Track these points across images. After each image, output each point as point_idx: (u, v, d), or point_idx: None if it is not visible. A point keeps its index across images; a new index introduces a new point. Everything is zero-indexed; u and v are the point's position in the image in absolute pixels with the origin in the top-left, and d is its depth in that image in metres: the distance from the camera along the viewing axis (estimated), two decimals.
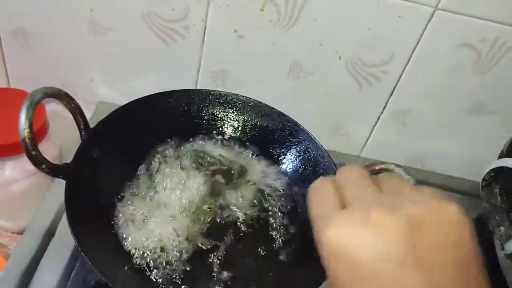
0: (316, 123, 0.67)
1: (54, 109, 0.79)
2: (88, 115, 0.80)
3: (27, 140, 0.50)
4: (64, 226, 0.64)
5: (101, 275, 0.48)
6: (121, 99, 0.66)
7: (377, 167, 0.61)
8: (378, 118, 0.82)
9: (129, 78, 0.80)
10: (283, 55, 0.74)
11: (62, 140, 0.83)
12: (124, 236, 0.56)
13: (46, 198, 0.67)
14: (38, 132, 0.75)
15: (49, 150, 0.79)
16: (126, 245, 0.55)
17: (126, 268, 0.53)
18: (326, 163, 0.64)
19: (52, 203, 0.67)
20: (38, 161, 0.51)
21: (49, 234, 0.63)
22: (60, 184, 0.67)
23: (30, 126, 0.50)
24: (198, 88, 0.79)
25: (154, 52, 0.76)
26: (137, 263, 0.54)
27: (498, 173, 0.59)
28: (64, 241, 0.62)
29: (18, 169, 0.76)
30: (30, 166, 0.75)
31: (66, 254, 0.61)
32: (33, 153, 0.51)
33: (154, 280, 0.53)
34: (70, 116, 0.85)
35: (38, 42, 0.77)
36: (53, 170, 0.53)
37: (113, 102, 0.80)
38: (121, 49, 0.76)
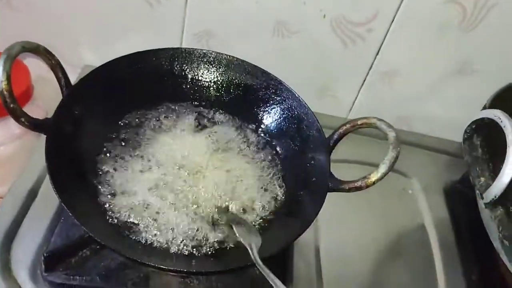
0: (302, 85, 0.66)
1: (40, 73, 0.79)
2: (74, 79, 0.80)
3: (5, 92, 0.50)
4: (47, 186, 0.64)
5: (82, 226, 0.48)
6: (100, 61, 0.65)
7: (359, 122, 0.61)
8: (365, 79, 0.81)
9: (113, 40, 0.79)
10: (267, 14, 0.73)
11: (48, 105, 0.83)
12: (104, 192, 0.56)
13: (30, 160, 0.67)
14: (23, 94, 0.75)
15: (33, 113, 0.78)
16: (105, 200, 0.56)
17: (105, 221, 0.54)
18: (310, 120, 0.64)
19: (36, 165, 0.66)
20: (17, 114, 0.51)
21: (32, 194, 0.63)
22: (43, 148, 0.67)
23: (8, 78, 0.50)
24: None
25: (139, 13, 0.75)
26: (114, 217, 0.55)
27: (479, 125, 0.59)
28: (47, 201, 0.63)
29: (4, 132, 0.76)
30: (16, 130, 0.76)
31: (49, 212, 0.62)
32: (12, 106, 0.50)
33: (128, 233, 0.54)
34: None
35: (22, 3, 0.76)
36: (33, 124, 0.53)
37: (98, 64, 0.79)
38: (106, 11, 0.76)
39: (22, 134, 0.78)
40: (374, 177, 0.54)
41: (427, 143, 0.84)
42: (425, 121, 0.86)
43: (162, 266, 0.49)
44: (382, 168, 0.54)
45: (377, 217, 0.73)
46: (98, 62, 0.80)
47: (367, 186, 0.55)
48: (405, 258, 0.70)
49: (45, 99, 0.82)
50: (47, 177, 0.64)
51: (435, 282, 0.68)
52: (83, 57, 0.83)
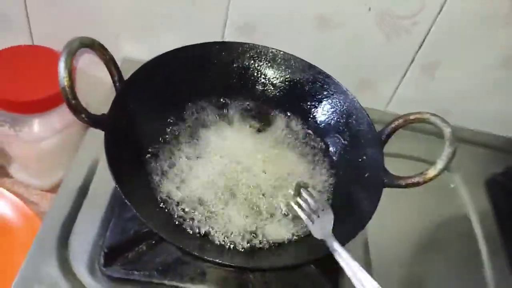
0: (342, 78, 0.66)
1: (78, 67, 0.79)
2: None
3: (67, 88, 0.50)
4: (97, 183, 0.64)
5: (146, 222, 0.48)
6: (146, 55, 0.65)
7: (412, 117, 0.60)
8: (405, 72, 0.81)
9: (154, 33, 0.79)
10: (311, 7, 0.73)
11: (87, 98, 0.83)
12: (158, 183, 0.57)
13: (76, 157, 0.67)
14: None
15: None
16: (160, 191, 0.56)
17: (163, 216, 0.55)
18: (359, 115, 0.63)
19: (83, 162, 0.67)
20: (78, 110, 0.51)
21: (83, 191, 0.64)
22: (89, 143, 0.68)
23: (70, 74, 0.50)
24: None
25: (181, 7, 0.75)
26: (172, 211, 0.55)
27: None
28: (99, 197, 0.63)
29: (46, 126, 0.76)
30: (57, 124, 0.76)
31: (101, 208, 0.62)
32: (73, 102, 0.50)
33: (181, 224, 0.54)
34: (94, 73, 0.85)
35: None
36: (92, 120, 0.53)
37: (138, 58, 0.79)
38: (147, 4, 0.75)
39: (62, 129, 0.78)
40: (432, 173, 0.54)
41: (468, 136, 0.84)
42: (466, 114, 0.85)
43: (230, 264, 0.49)
44: (440, 164, 0.54)
45: (420, 210, 0.73)
46: (137, 55, 0.81)
47: (424, 182, 0.55)
48: (450, 250, 0.71)
49: (82, 91, 0.81)
50: (97, 174, 0.65)
51: (481, 272, 0.68)
52: (122, 50, 0.82)
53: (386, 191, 0.55)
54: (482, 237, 0.72)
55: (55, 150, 0.79)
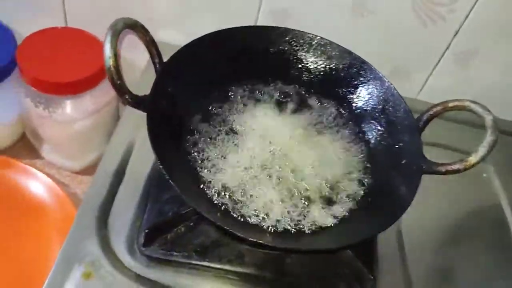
0: (374, 64, 0.66)
1: None
2: (146, 55, 0.80)
3: (112, 69, 0.50)
4: (132, 166, 0.65)
5: (191, 204, 0.49)
6: (179, 39, 0.65)
7: (451, 104, 0.60)
8: (439, 60, 0.80)
9: (187, 17, 0.79)
10: None
11: None
12: (198, 165, 0.57)
13: (112, 139, 0.68)
14: (99, 71, 0.75)
15: (109, 89, 0.79)
16: (200, 172, 0.57)
17: (204, 197, 0.55)
18: (396, 102, 0.63)
19: (117, 145, 0.67)
20: (122, 90, 0.51)
21: (120, 173, 0.64)
22: (124, 126, 0.68)
23: (115, 55, 0.50)
24: None
25: None
26: (212, 193, 0.55)
27: None
28: (135, 179, 0.63)
29: (78, 108, 0.77)
30: (89, 106, 0.77)
31: (138, 190, 0.62)
32: (118, 82, 0.50)
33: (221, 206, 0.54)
34: (127, 57, 0.85)
35: None
36: (135, 101, 0.53)
37: (171, 42, 0.79)
38: None
39: (94, 111, 0.78)
40: (473, 160, 0.54)
41: (500, 126, 0.83)
42: (498, 104, 0.84)
43: (271, 245, 0.49)
44: (481, 152, 0.54)
45: (452, 199, 0.73)
46: (170, 39, 0.81)
47: (465, 169, 0.55)
48: (482, 239, 0.70)
49: None
50: (132, 156, 0.66)
51: None
52: (155, 34, 0.82)
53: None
54: None
55: (86, 132, 0.79)
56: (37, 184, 0.77)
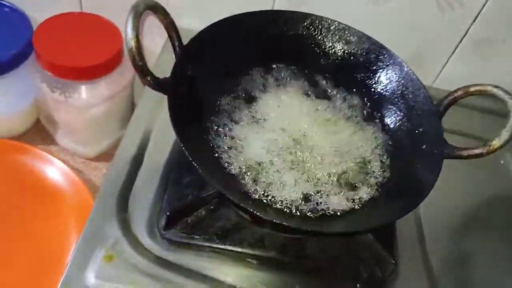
0: (392, 50, 0.65)
1: None
2: (162, 41, 0.80)
3: (134, 49, 0.49)
4: (150, 152, 0.65)
5: (216, 186, 0.49)
6: (196, 25, 0.64)
7: (472, 89, 0.60)
8: (456, 47, 0.79)
9: (204, 2, 0.78)
10: None
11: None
12: (219, 147, 0.57)
13: (131, 124, 0.68)
14: (115, 57, 0.75)
15: (124, 74, 0.79)
16: (221, 155, 0.56)
17: (221, 175, 0.55)
18: (416, 87, 0.63)
19: (134, 132, 0.67)
20: (144, 72, 0.51)
21: (139, 157, 0.64)
22: (140, 111, 0.68)
23: (137, 36, 0.50)
24: None
25: None
26: (230, 172, 0.55)
27: None
28: (154, 164, 0.63)
29: (94, 94, 0.76)
30: (105, 92, 0.77)
31: (157, 175, 0.62)
32: (140, 63, 0.50)
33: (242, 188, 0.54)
34: (144, 44, 0.85)
35: None
36: (156, 83, 0.53)
37: (188, 28, 0.78)
38: None
39: (109, 97, 0.78)
40: (496, 144, 0.54)
41: None
42: None
43: (295, 227, 0.49)
44: (505, 136, 0.54)
45: (470, 186, 0.73)
46: (186, 23, 0.80)
47: (488, 153, 0.55)
48: (500, 226, 0.70)
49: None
50: (151, 141, 0.66)
51: None
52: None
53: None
54: None
55: (101, 118, 0.79)
56: (53, 169, 0.78)
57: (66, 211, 0.74)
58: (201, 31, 0.60)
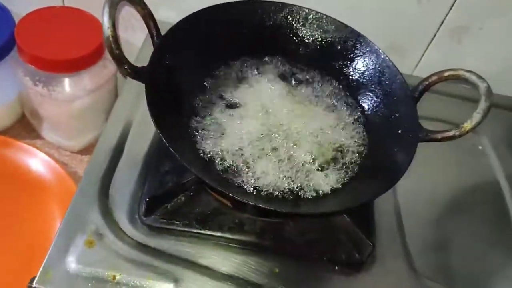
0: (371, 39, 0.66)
1: None
2: (143, 35, 0.81)
3: (110, 38, 0.50)
4: (131, 142, 0.66)
5: (193, 171, 0.50)
6: (174, 17, 0.65)
7: (446, 74, 0.61)
8: (434, 36, 0.81)
9: None
10: None
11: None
12: (197, 135, 0.58)
13: (111, 115, 0.69)
14: (97, 50, 0.76)
15: (107, 67, 0.80)
16: (199, 143, 0.58)
17: (200, 162, 0.56)
18: (392, 73, 0.64)
19: (115, 123, 0.68)
20: (121, 60, 0.52)
21: (120, 146, 0.65)
22: (121, 102, 0.69)
23: (113, 25, 0.51)
24: None
25: None
26: (209, 159, 0.56)
27: None
28: (134, 153, 0.64)
29: (77, 86, 0.77)
30: (88, 85, 0.78)
31: (138, 163, 0.63)
32: (117, 52, 0.51)
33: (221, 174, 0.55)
34: (125, 37, 0.85)
35: None
36: (134, 72, 0.53)
37: (165, 20, 0.79)
38: None
39: (93, 90, 0.79)
40: (468, 126, 0.55)
41: (495, 100, 0.83)
42: (492, 80, 0.85)
43: (270, 208, 0.50)
44: (476, 117, 0.55)
45: (448, 171, 0.74)
46: (166, 17, 0.81)
47: (460, 135, 0.56)
48: (479, 210, 0.71)
49: None
50: (130, 133, 0.66)
51: (509, 233, 0.69)
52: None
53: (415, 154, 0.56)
54: (510, 198, 0.72)
55: (85, 111, 0.80)
56: (37, 162, 0.78)
57: (51, 201, 0.75)
58: (179, 21, 0.61)
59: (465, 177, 0.75)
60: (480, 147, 0.78)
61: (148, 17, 0.58)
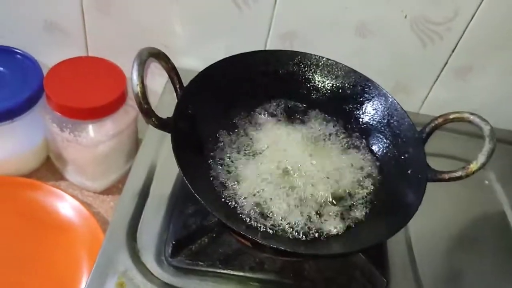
0: (377, 81, 0.70)
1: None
2: (162, 80, 0.86)
3: (140, 94, 0.54)
4: (156, 185, 0.70)
5: (217, 216, 0.53)
6: (194, 64, 0.70)
7: (451, 116, 0.65)
8: (438, 76, 0.85)
9: (201, 43, 0.84)
10: (351, 15, 0.77)
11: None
12: (220, 180, 0.62)
13: (136, 160, 0.73)
14: (119, 97, 0.80)
15: (128, 113, 0.84)
16: (222, 188, 0.61)
17: (222, 205, 0.59)
18: (400, 116, 0.68)
19: (139, 167, 0.72)
20: (149, 114, 0.56)
21: (145, 190, 0.69)
22: (145, 148, 0.73)
23: (142, 82, 0.55)
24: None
25: (227, 16, 0.79)
26: (231, 202, 0.60)
27: None
28: (159, 196, 0.68)
29: (101, 132, 0.81)
30: (110, 130, 0.82)
31: (163, 206, 0.67)
32: (145, 106, 0.55)
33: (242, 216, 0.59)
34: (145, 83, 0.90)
35: (112, 8, 0.82)
36: (160, 123, 0.57)
37: (186, 67, 0.84)
38: (195, 14, 0.81)
39: (115, 134, 0.83)
40: (474, 167, 0.58)
41: (500, 136, 0.87)
42: (496, 115, 0.88)
43: (289, 250, 0.53)
44: (481, 159, 0.58)
45: (458, 206, 0.77)
46: (185, 64, 0.86)
47: (467, 176, 0.59)
48: (488, 243, 0.74)
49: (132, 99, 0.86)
50: (156, 176, 0.70)
51: None
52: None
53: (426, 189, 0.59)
54: None
55: (108, 154, 0.84)
56: (64, 204, 0.82)
57: (78, 243, 0.79)
58: (200, 72, 0.66)
59: (474, 211, 0.78)
60: (486, 182, 0.81)
61: (172, 71, 0.62)
